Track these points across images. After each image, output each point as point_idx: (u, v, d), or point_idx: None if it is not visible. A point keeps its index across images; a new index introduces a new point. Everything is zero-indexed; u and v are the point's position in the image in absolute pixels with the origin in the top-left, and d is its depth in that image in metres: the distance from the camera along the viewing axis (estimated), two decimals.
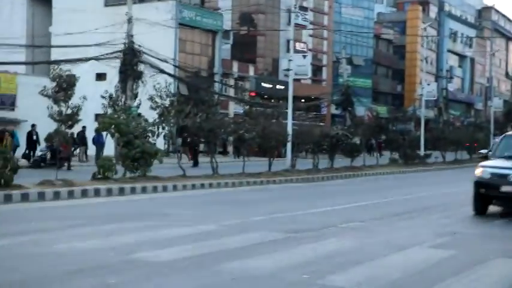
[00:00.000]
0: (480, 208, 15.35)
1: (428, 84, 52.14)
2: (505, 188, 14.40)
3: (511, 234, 13.28)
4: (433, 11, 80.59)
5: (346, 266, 8.75)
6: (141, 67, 32.67)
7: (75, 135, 32.20)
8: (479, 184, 14.94)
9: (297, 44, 51.32)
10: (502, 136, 17.11)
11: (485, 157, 16.07)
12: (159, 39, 40.00)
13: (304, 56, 33.98)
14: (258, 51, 57.38)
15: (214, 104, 39.50)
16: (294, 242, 10.78)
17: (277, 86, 53.11)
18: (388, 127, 44.22)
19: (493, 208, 16.17)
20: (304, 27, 55.61)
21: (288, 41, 43.24)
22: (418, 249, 10.41)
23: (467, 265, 9.16)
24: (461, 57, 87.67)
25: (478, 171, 15.13)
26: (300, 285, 7.73)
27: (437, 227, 13.22)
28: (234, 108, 49.44)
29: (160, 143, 32.54)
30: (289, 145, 29.32)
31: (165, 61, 37.23)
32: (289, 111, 31.06)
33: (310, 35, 60.35)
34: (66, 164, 28.09)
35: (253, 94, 51.51)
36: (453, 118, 74.47)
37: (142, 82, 31.98)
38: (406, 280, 8.17)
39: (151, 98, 24.49)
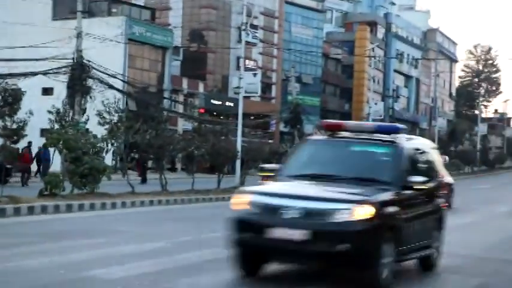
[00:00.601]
0: (247, 266, 9.02)
1: (376, 104, 53.04)
2: (274, 232, 8.18)
3: (455, 251, 13.54)
4: (381, 31, 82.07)
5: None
6: (90, 82, 32.34)
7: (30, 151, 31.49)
8: (241, 225, 8.66)
9: (247, 61, 51.58)
10: (301, 141, 17.20)
11: (268, 176, 10.70)
12: (108, 54, 39.66)
13: (255, 74, 34.27)
14: (208, 68, 57.46)
15: (163, 121, 39.33)
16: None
17: (227, 103, 53.21)
18: None
19: None
20: (254, 45, 55.94)
21: (238, 59, 43.51)
22: None
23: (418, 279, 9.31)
24: (407, 77, 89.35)
25: (241, 203, 8.55)
26: None
27: None
28: (183, 125, 49.30)
29: (108, 159, 32.22)
30: (238, 162, 29.38)
31: (114, 76, 36.92)
32: (239, 128, 31.21)
33: (260, 53, 60.80)
34: (25, 177, 27.63)
35: (202, 111, 51.46)
36: None
37: (91, 97, 31.63)
38: None
39: (99, 114, 24.29)
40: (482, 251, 13.46)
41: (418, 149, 9.98)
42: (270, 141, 53.35)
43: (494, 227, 18.85)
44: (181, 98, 52.25)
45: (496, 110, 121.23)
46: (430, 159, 10.43)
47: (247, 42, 41.53)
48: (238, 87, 31.43)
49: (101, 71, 33.11)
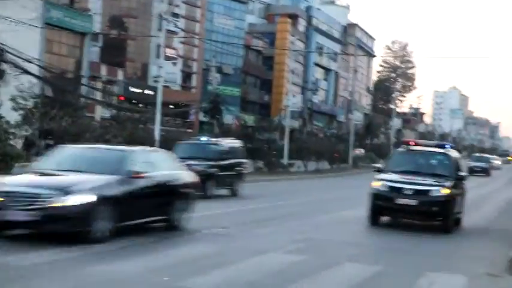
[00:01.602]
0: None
1: (294, 96, 53.89)
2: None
3: (362, 241, 14.21)
4: (302, 24, 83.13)
5: (206, 269, 9.17)
6: (4, 66, 31.62)
7: None
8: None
9: (168, 50, 51.43)
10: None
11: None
12: (24, 38, 38.72)
13: (174, 64, 34.30)
14: (128, 55, 56.93)
15: (80, 107, 38.87)
16: (159, 246, 11.08)
17: (146, 91, 52.91)
18: (255, 136, 45.33)
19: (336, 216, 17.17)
20: (175, 33, 55.78)
21: (159, 47, 43.36)
22: (274, 254, 11.01)
23: (318, 268, 9.85)
24: (327, 70, 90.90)
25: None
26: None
27: (293, 234, 13.94)
28: (101, 112, 48.75)
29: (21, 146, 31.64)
30: None
31: (30, 61, 36.19)
32: (157, 117, 31.22)
33: (181, 42, 60.65)
34: None
35: (121, 98, 50.99)
36: (317, 129, 77.12)
37: (5, 82, 30.97)
38: (261, 281, 8.70)
39: (13, 99, 23.89)
40: (383, 242, 14.12)
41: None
42: (189, 130, 53.42)
43: None
44: (99, 85, 51.62)
45: (410, 105, 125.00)
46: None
47: (168, 31, 41.51)
48: (157, 76, 31.43)
49: (15, 55, 32.40)
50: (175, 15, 52.44)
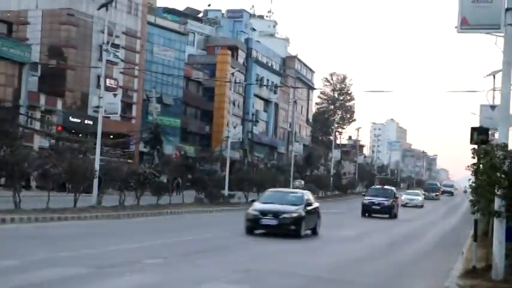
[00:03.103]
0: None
1: (235, 127, 54.13)
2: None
3: (300, 271, 14.45)
4: (242, 56, 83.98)
5: None
6: None
7: None
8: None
9: (108, 80, 51.22)
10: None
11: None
12: None
13: (115, 95, 34.21)
14: (67, 85, 56.37)
15: (18, 137, 38.33)
16: (97, 277, 11.07)
17: (86, 121, 52.48)
18: (195, 166, 45.33)
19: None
20: (115, 64, 55.61)
21: (99, 77, 43.15)
22: (215, 284, 11.13)
23: None
24: (267, 102, 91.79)
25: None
26: None
27: (233, 264, 14.08)
28: (39, 142, 48.10)
29: None
30: (95, 181, 29.16)
31: None
32: (98, 147, 31.02)
33: (122, 72, 60.48)
34: None
35: (60, 128, 50.45)
36: (258, 160, 77.62)
37: None
38: None
39: None
40: (322, 272, 14.41)
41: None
42: (129, 160, 53.10)
43: (335, 250, 20.05)
44: (38, 115, 50.96)
45: (349, 137, 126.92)
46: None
47: (108, 61, 41.42)
48: (98, 107, 31.27)
49: None
50: (116, 45, 52.33)
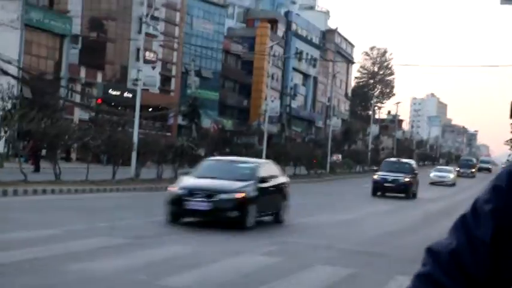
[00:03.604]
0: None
1: (273, 101, 54.25)
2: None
3: (333, 244, 14.55)
4: (281, 29, 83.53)
5: (182, 269, 9.44)
6: None
7: None
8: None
9: (147, 53, 51.56)
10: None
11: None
12: (3, 39, 38.87)
13: (154, 68, 34.47)
14: (107, 57, 56.94)
15: (59, 109, 38.94)
16: (136, 247, 11.32)
17: (125, 94, 52.95)
18: (233, 140, 45.57)
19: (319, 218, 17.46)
20: (155, 36, 55.92)
21: (138, 50, 43.48)
22: (250, 256, 11.30)
23: (291, 270, 10.16)
24: (306, 76, 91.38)
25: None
26: (139, 286, 8.32)
27: (268, 237, 14.23)
28: (79, 114, 48.78)
29: (0, 147, 31.70)
30: (134, 154, 29.56)
31: (9, 62, 36.29)
32: (136, 120, 31.37)
33: (161, 45, 60.76)
34: None
35: (100, 101, 51.04)
36: (295, 134, 77.57)
37: None
38: (235, 282, 8.99)
39: None
40: (357, 245, 14.50)
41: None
42: (167, 134, 53.57)
43: (371, 223, 20.10)
44: (78, 87, 51.64)
45: (389, 112, 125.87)
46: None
47: (148, 34, 41.68)
48: (136, 80, 31.59)
49: None
50: (155, 18, 52.62)
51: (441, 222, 19.13)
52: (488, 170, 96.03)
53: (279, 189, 17.06)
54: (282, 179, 17.74)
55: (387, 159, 40.66)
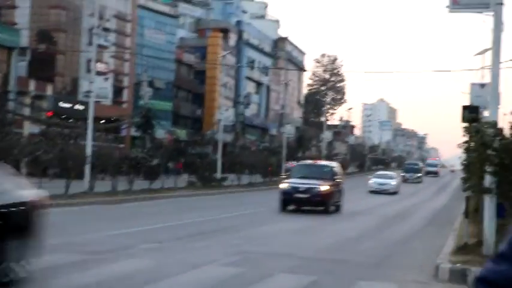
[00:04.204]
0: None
1: (226, 110, 54.12)
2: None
3: (294, 252, 14.46)
4: (233, 38, 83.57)
5: (141, 284, 9.21)
6: None
7: None
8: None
9: (98, 64, 50.88)
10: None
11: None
12: None
13: (106, 79, 34.04)
14: (57, 69, 55.98)
15: (8, 123, 38.11)
16: (92, 263, 11.04)
17: (77, 106, 52.21)
18: (187, 150, 45.29)
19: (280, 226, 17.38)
20: (106, 48, 55.29)
21: (89, 61, 42.92)
22: (211, 267, 11.14)
23: (253, 280, 10.03)
24: (258, 84, 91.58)
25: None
26: None
27: (229, 247, 14.09)
28: (29, 128, 47.87)
29: None
30: (88, 167, 29.07)
31: None
32: (89, 132, 30.90)
33: (112, 56, 60.10)
34: None
35: (50, 114, 50.20)
36: (250, 142, 77.54)
37: None
38: None
39: None
40: (317, 252, 14.46)
41: None
42: (121, 145, 52.97)
43: (329, 230, 20.10)
44: (28, 101, 50.68)
45: (341, 118, 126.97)
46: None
47: (99, 45, 41.12)
48: (88, 91, 31.14)
49: None
50: (106, 29, 52.05)
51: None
52: (435, 173, 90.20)
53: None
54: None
55: (300, 163, 33.10)
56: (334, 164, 30.36)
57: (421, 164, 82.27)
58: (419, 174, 71.21)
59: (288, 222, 21.46)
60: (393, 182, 47.47)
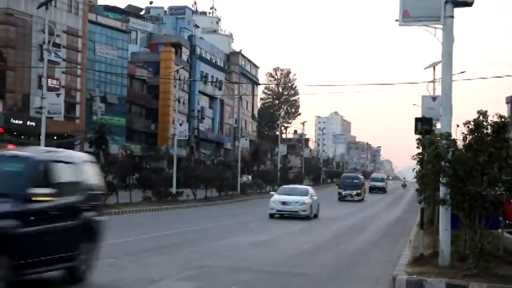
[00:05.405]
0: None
1: (181, 124, 53.87)
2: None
3: (250, 265, 14.45)
4: (186, 53, 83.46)
5: None
6: None
7: None
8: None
9: (50, 80, 50.24)
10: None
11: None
12: None
13: (58, 95, 33.64)
14: (8, 86, 55.10)
15: None
16: (44, 283, 10.85)
17: (28, 123, 51.45)
18: (142, 165, 44.96)
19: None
20: (57, 63, 54.63)
21: (40, 77, 42.33)
22: (169, 282, 11.05)
23: None
24: (212, 98, 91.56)
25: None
26: None
27: (185, 261, 14.00)
28: None
29: None
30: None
31: None
32: None
33: (64, 72, 59.42)
34: None
35: (1, 131, 49.31)
36: (204, 157, 77.34)
37: None
38: None
39: None
40: (274, 265, 14.47)
41: None
42: None
43: (286, 243, 20.15)
44: None
45: (295, 131, 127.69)
46: None
47: (50, 61, 40.63)
48: (40, 107, 30.70)
49: None
50: (57, 45, 51.48)
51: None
52: (383, 190, 74.88)
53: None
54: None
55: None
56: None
57: (362, 178, 61.54)
58: (359, 191, 55.78)
59: (248, 235, 21.46)
60: (305, 204, 31.66)
